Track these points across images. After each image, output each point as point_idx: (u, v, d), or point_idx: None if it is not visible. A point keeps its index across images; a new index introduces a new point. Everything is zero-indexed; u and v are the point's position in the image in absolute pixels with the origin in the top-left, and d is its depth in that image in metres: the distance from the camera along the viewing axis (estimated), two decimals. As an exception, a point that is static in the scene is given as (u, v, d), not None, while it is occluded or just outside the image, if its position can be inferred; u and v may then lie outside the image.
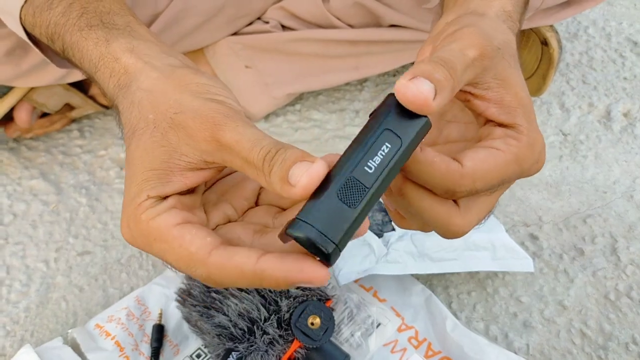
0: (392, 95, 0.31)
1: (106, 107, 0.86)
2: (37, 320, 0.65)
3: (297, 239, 0.29)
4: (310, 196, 0.30)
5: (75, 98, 0.82)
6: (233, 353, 0.54)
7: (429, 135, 0.37)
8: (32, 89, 0.77)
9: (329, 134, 0.84)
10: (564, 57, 0.96)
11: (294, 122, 0.87)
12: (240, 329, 0.54)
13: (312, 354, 0.55)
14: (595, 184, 0.78)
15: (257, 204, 0.40)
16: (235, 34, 0.83)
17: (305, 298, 0.55)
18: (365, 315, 0.61)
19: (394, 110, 0.31)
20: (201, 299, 0.56)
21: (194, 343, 0.60)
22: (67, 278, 0.69)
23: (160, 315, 0.61)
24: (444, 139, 0.42)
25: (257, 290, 0.55)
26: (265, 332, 0.54)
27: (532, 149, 0.36)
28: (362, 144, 0.30)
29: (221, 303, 0.55)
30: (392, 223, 0.66)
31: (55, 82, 0.75)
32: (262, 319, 0.54)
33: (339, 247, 0.29)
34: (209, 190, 0.39)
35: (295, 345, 0.54)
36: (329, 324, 0.55)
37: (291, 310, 0.54)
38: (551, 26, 0.81)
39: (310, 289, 0.56)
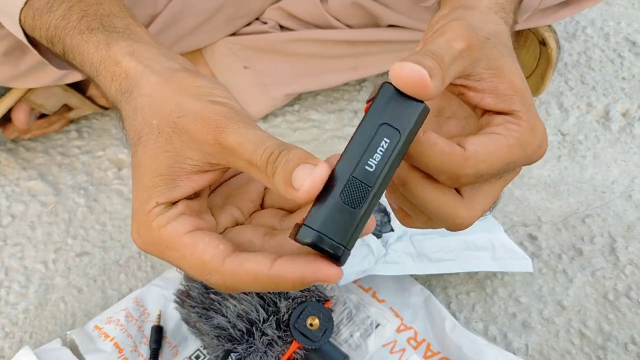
0: (386, 84, 0.31)
1: (104, 108, 0.86)
2: (35, 322, 0.65)
3: (306, 245, 0.30)
4: (315, 199, 0.30)
5: (74, 99, 0.82)
6: (232, 354, 0.54)
7: None
8: (30, 90, 0.77)
9: (327, 134, 0.84)
10: (562, 57, 0.96)
11: (292, 122, 0.87)
12: (239, 330, 0.54)
13: (311, 355, 0.55)
14: (594, 184, 0.78)
15: (262, 206, 0.40)
16: (233, 34, 0.83)
17: (304, 299, 0.55)
18: (364, 316, 0.61)
19: (389, 101, 0.30)
20: (200, 300, 0.56)
21: (193, 344, 0.60)
22: (66, 279, 0.69)
23: (159, 316, 0.61)
24: (444, 135, 0.42)
25: (255, 291, 0.55)
26: (264, 333, 0.54)
27: (533, 133, 0.35)
28: (360, 141, 0.30)
29: (220, 304, 0.55)
30: (391, 224, 0.66)
31: (53, 83, 0.75)
32: (261, 320, 0.54)
33: (348, 248, 0.30)
34: (214, 194, 0.40)
35: (294, 346, 0.54)
36: (327, 325, 0.55)
37: (290, 311, 0.54)
38: (549, 26, 0.81)
39: (309, 290, 0.56)
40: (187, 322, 0.58)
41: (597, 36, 1.01)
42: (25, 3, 0.46)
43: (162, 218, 0.34)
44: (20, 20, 0.47)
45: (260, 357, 0.53)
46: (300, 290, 0.56)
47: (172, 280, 0.64)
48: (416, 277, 0.66)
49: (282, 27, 0.83)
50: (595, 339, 0.63)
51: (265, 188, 0.40)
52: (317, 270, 0.30)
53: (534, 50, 0.83)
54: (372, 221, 0.32)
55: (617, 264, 0.69)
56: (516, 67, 0.37)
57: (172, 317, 0.62)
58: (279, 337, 0.54)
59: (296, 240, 0.30)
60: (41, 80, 0.74)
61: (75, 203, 0.77)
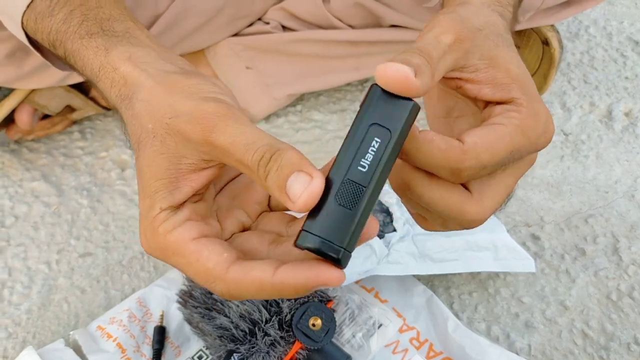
0: (374, 85, 0.31)
1: (107, 109, 0.86)
2: (39, 322, 0.65)
3: (306, 249, 0.30)
4: None
5: (77, 100, 0.82)
6: (234, 354, 0.54)
7: None
8: (33, 90, 0.77)
9: (330, 135, 0.84)
10: (565, 56, 0.96)
11: (295, 122, 0.87)
12: (242, 331, 0.54)
13: (314, 355, 0.55)
14: (597, 184, 0.78)
15: (269, 205, 0.40)
16: (236, 35, 0.83)
17: (306, 299, 0.55)
18: (367, 316, 0.61)
19: (378, 102, 0.31)
20: (202, 300, 0.56)
21: (196, 344, 0.61)
22: (69, 280, 0.69)
23: (162, 316, 0.62)
24: (457, 135, 0.42)
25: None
26: (266, 334, 0.54)
27: (535, 119, 0.35)
28: (351, 144, 0.30)
29: (222, 305, 0.55)
30: (394, 224, 0.66)
31: (56, 84, 0.75)
32: (264, 320, 0.54)
33: (348, 250, 0.30)
34: (220, 195, 0.40)
35: (296, 346, 0.54)
36: (330, 325, 0.55)
37: (292, 312, 0.54)
38: (552, 26, 0.81)
39: (311, 290, 0.56)
40: (190, 323, 0.58)
41: (599, 36, 1.01)
42: (28, 6, 0.46)
43: (167, 224, 0.34)
44: (22, 23, 0.48)
45: (263, 358, 0.54)
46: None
47: (175, 280, 0.65)
48: (419, 278, 0.66)
49: (284, 28, 0.83)
50: (598, 339, 0.63)
51: None
52: (319, 274, 0.30)
53: (537, 50, 0.83)
54: (375, 224, 0.32)
55: (620, 264, 0.69)
56: (512, 56, 0.37)
57: (175, 318, 0.62)
58: (281, 337, 0.54)
59: (296, 246, 0.30)
60: (44, 82, 0.74)
61: (78, 204, 0.77)
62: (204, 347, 0.60)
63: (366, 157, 0.30)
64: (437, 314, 0.62)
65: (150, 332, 0.61)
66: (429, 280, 0.67)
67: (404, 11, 0.77)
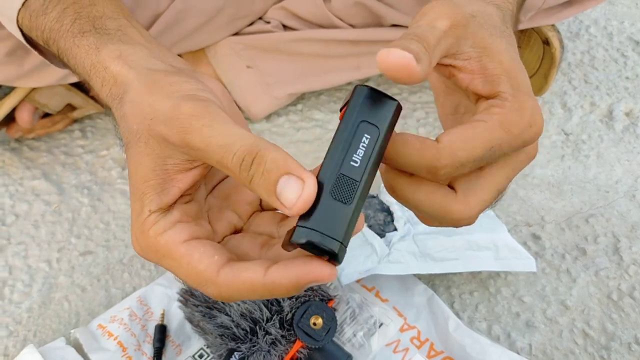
0: (358, 86, 0.32)
1: (108, 107, 0.86)
2: (39, 321, 0.65)
3: (302, 246, 0.30)
4: None
5: (77, 98, 0.82)
6: (235, 353, 0.54)
7: None
8: (33, 89, 0.77)
9: (330, 134, 0.84)
10: (565, 56, 0.96)
11: (295, 122, 0.87)
12: (243, 329, 0.54)
13: (315, 354, 0.55)
14: (598, 184, 0.78)
15: (261, 205, 0.40)
16: (236, 34, 0.83)
17: (307, 298, 0.55)
18: (368, 315, 0.61)
19: (365, 101, 0.31)
20: (203, 299, 0.56)
21: (197, 343, 0.61)
22: (70, 278, 0.69)
23: (163, 315, 0.62)
24: None
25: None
26: (267, 333, 0.54)
27: (519, 113, 0.34)
28: (343, 140, 0.31)
29: (223, 303, 0.55)
30: (395, 223, 0.66)
31: (56, 82, 0.75)
32: (265, 319, 0.54)
33: (344, 244, 0.30)
34: (211, 195, 0.39)
35: (297, 345, 0.54)
36: (331, 324, 0.55)
37: (293, 311, 0.54)
38: (553, 25, 0.81)
39: (312, 289, 0.56)
40: (191, 321, 0.58)
41: (600, 35, 1.01)
42: (23, 4, 0.46)
43: (158, 226, 0.34)
44: (18, 21, 0.48)
45: (264, 356, 0.54)
46: (304, 290, 0.56)
47: (176, 279, 0.64)
48: (419, 277, 0.66)
49: (285, 27, 0.83)
50: (599, 339, 0.63)
51: None
52: (310, 271, 0.30)
53: (538, 50, 0.83)
54: (362, 218, 0.32)
55: (620, 263, 0.69)
56: (506, 48, 0.36)
57: (176, 316, 0.62)
58: (282, 336, 0.54)
59: (291, 242, 0.30)
60: (44, 80, 0.74)
61: (79, 202, 0.77)
62: (204, 345, 0.60)
63: (357, 153, 0.31)
64: (438, 313, 0.62)
65: (151, 330, 0.61)
66: (430, 280, 0.67)
67: (405, 11, 0.77)
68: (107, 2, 0.44)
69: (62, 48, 0.43)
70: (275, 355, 0.54)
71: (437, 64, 0.35)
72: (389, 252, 0.63)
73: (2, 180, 0.80)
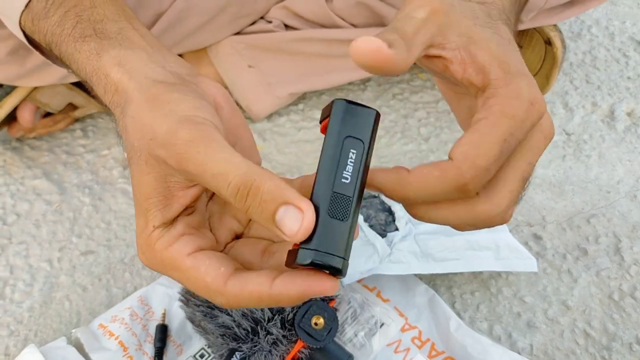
0: (336, 100, 0.33)
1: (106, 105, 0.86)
2: (40, 320, 0.65)
3: (307, 266, 0.31)
4: None
5: (79, 97, 0.82)
6: (236, 353, 0.54)
7: None
8: (35, 88, 0.77)
9: (332, 134, 0.84)
10: (567, 56, 0.96)
11: (297, 121, 0.87)
12: (244, 329, 0.54)
13: (316, 354, 0.55)
14: (599, 184, 0.78)
15: None
16: (238, 33, 0.83)
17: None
18: (369, 315, 0.61)
19: (345, 115, 0.32)
20: (204, 299, 0.56)
21: (198, 343, 0.61)
22: (71, 277, 0.69)
23: (164, 315, 0.62)
24: None
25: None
26: (268, 332, 0.54)
27: (516, 96, 0.33)
28: (331, 159, 0.32)
29: (225, 303, 0.55)
30: (396, 223, 0.66)
31: (58, 81, 0.75)
32: (266, 319, 0.54)
33: (346, 259, 0.31)
34: (212, 202, 0.40)
35: (298, 345, 0.54)
36: (332, 324, 0.55)
37: (295, 311, 0.54)
38: (555, 25, 0.81)
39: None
40: (192, 321, 0.58)
41: (602, 36, 1.01)
42: (26, 6, 0.46)
43: (163, 241, 0.35)
44: (20, 23, 0.48)
45: (265, 356, 0.54)
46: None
47: (177, 279, 0.64)
48: (421, 277, 0.66)
49: (287, 26, 0.83)
50: (600, 339, 0.63)
51: None
52: (315, 284, 0.32)
53: (539, 50, 0.83)
54: (357, 229, 0.33)
55: (622, 264, 0.69)
56: (491, 36, 0.36)
57: (177, 316, 0.62)
58: (283, 336, 0.54)
59: (296, 264, 0.31)
60: (46, 79, 0.74)
61: (80, 202, 0.77)
62: (206, 345, 0.60)
63: (347, 169, 0.32)
64: (439, 313, 0.62)
65: (152, 330, 0.61)
66: (431, 280, 0.67)
67: (407, 10, 0.77)
68: (109, 4, 0.44)
69: (63, 52, 0.43)
70: (277, 355, 0.54)
71: (427, 56, 0.35)
72: (390, 252, 0.63)
73: (3, 179, 0.80)
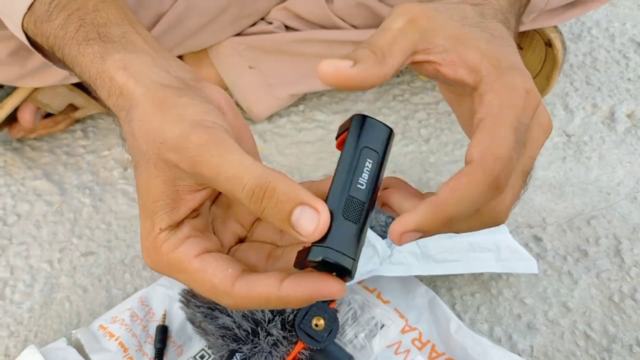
0: (356, 115, 0.35)
1: (110, 108, 0.86)
2: (40, 321, 0.65)
3: (317, 264, 0.32)
4: None
5: (79, 98, 0.82)
6: (237, 354, 0.54)
7: None
8: (36, 89, 0.77)
9: (332, 135, 0.84)
10: (567, 58, 0.96)
11: (297, 122, 0.87)
12: (244, 330, 0.54)
13: (316, 356, 0.55)
14: (599, 185, 0.78)
15: None
16: (239, 34, 0.83)
17: (309, 299, 0.55)
18: (369, 317, 0.61)
19: (364, 129, 0.34)
20: (205, 299, 0.56)
21: (198, 344, 0.61)
22: (71, 278, 0.69)
23: (164, 316, 0.62)
24: None
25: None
26: (269, 334, 0.54)
27: (511, 86, 0.33)
28: (349, 165, 0.34)
29: (225, 304, 0.55)
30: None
31: (59, 82, 0.75)
32: (266, 320, 0.54)
33: (357, 260, 0.32)
34: (215, 205, 0.40)
35: (299, 346, 0.54)
36: (333, 325, 0.55)
37: (295, 312, 0.54)
38: (555, 27, 0.81)
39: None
40: (192, 322, 0.58)
41: (602, 37, 1.01)
42: (28, 8, 0.46)
43: (169, 243, 0.35)
44: (23, 25, 0.47)
45: (265, 357, 0.54)
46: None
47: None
48: (421, 278, 0.66)
49: (287, 28, 0.83)
50: (600, 340, 0.63)
51: None
52: (323, 287, 0.32)
53: (540, 52, 0.83)
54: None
55: (622, 265, 0.69)
56: (480, 34, 0.36)
57: (177, 317, 0.62)
58: (284, 337, 0.54)
59: (308, 260, 0.32)
60: (47, 80, 0.74)
61: (80, 202, 0.77)
62: (206, 346, 0.60)
63: (363, 177, 0.33)
64: (440, 314, 0.62)
65: (153, 331, 0.61)
66: (432, 281, 0.67)
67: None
68: (111, 8, 0.44)
69: (67, 55, 0.43)
70: (277, 356, 0.54)
71: (414, 62, 0.35)
72: (390, 254, 0.63)
73: (3, 180, 0.80)
